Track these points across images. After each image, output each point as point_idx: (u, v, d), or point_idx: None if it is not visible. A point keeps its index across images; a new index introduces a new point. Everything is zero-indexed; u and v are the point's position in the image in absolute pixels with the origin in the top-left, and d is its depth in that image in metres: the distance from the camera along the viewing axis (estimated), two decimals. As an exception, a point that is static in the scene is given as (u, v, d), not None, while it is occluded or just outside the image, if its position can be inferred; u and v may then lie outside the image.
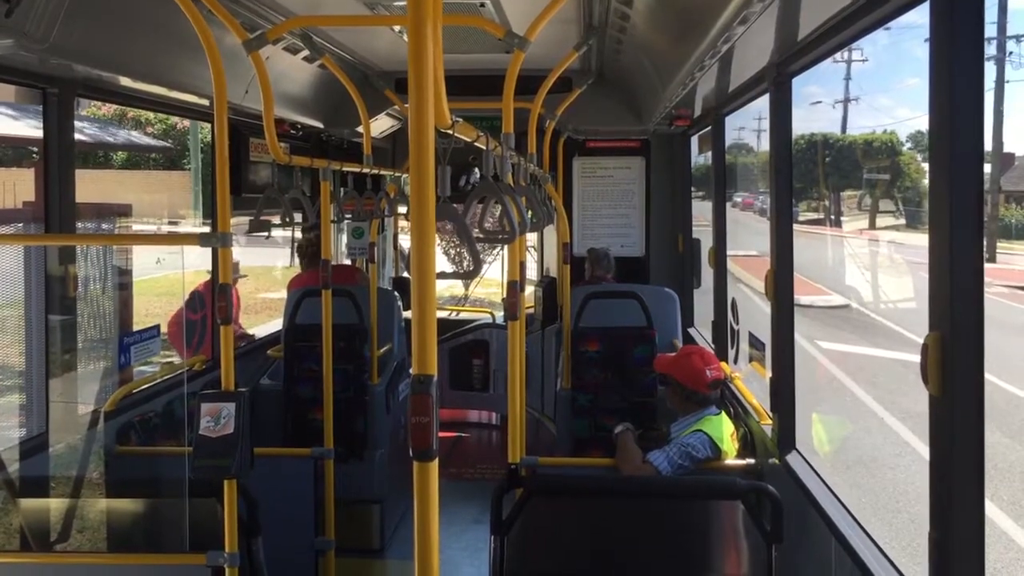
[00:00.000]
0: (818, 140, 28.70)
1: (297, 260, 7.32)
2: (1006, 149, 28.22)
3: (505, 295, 3.62)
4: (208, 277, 6.59)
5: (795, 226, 4.13)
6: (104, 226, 5.23)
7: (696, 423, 4.21)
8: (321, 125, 6.68)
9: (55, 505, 3.81)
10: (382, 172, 6.00)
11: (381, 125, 7.41)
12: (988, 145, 24.99)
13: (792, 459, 3.79)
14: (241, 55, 3.59)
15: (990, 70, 25.97)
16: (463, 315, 10.55)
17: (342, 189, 5.39)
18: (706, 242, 6.55)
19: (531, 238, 9.29)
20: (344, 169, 5.23)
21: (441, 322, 8.83)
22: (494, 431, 8.71)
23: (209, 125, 5.66)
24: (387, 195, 6.04)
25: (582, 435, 5.54)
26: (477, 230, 3.15)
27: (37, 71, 3.86)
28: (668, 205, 7.80)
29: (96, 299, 4.59)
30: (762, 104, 4.22)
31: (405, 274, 9.32)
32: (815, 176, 27.59)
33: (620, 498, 3.52)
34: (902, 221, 27.03)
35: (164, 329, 5.97)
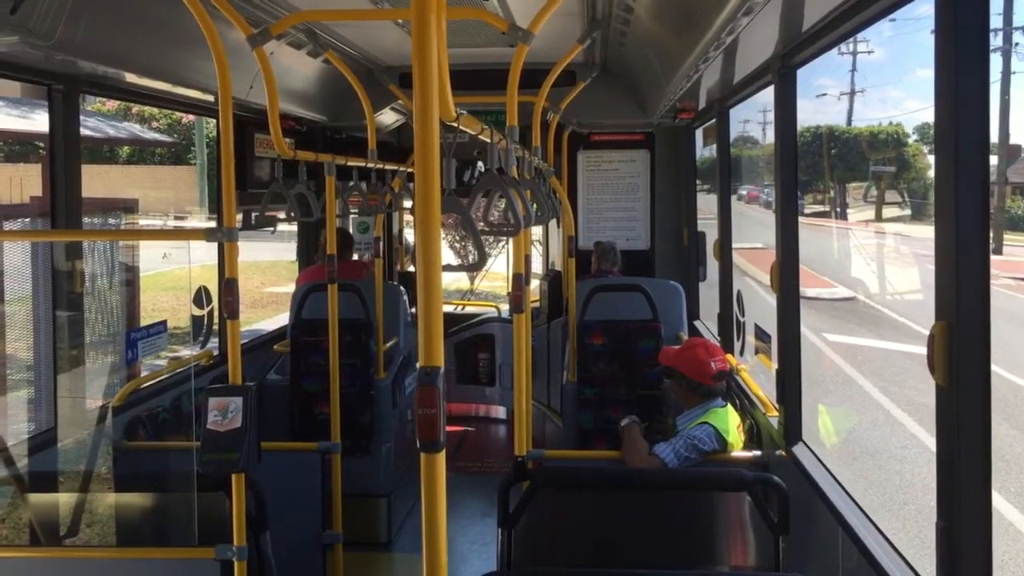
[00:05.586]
0: (824, 132, 28.63)
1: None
2: (1012, 140, 28.08)
3: (510, 289, 3.63)
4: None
5: (801, 218, 4.13)
6: (111, 221, 5.24)
7: (702, 416, 4.21)
8: (326, 120, 6.69)
9: (64, 500, 3.83)
10: (387, 167, 6.01)
11: (386, 120, 7.42)
12: (995, 136, 24.91)
13: (799, 451, 3.79)
14: (245, 50, 3.60)
15: (996, 61, 25.84)
16: (468, 309, 10.55)
17: (347, 183, 5.40)
18: (711, 235, 6.54)
19: (536, 232, 9.29)
20: (349, 164, 5.24)
21: (447, 316, 8.83)
22: (500, 425, 8.72)
23: (214, 120, 5.66)
24: (392, 189, 6.04)
25: (588, 428, 5.54)
26: (482, 223, 3.15)
27: (42, 67, 3.87)
28: (673, 198, 7.79)
29: (103, 294, 4.61)
30: (767, 96, 4.21)
31: (411, 268, 9.33)
32: (821, 168, 27.54)
33: (627, 490, 3.53)
34: (908, 213, 26.97)
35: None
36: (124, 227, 5.61)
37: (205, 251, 4.39)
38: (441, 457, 1.64)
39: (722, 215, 5.97)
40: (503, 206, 3.14)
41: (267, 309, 16.57)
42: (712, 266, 6.49)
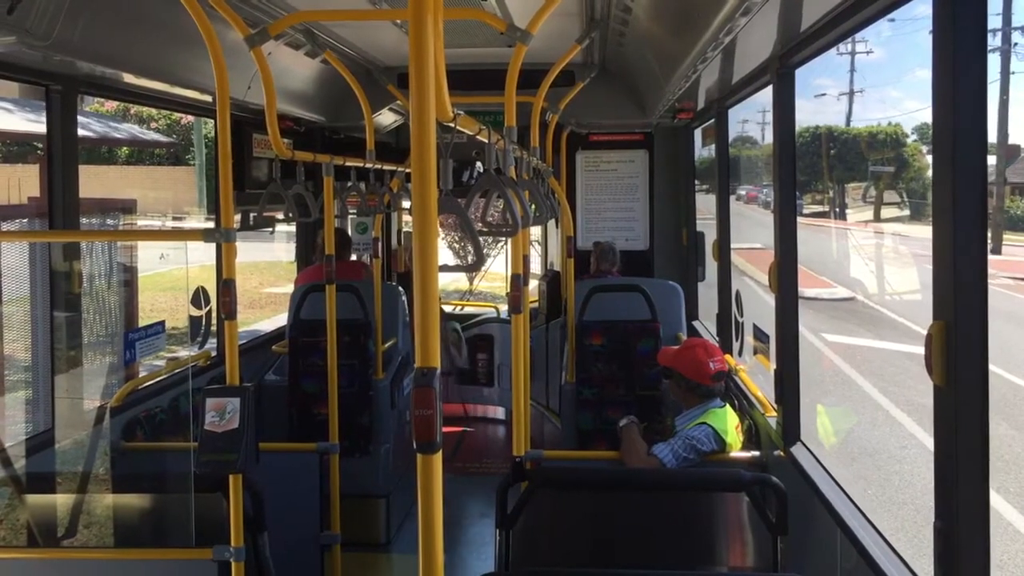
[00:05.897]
0: (823, 132, 28.63)
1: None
2: (1011, 141, 28.07)
3: (509, 289, 3.63)
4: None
5: (799, 219, 4.12)
6: (108, 222, 5.24)
7: (701, 416, 4.21)
8: (324, 120, 6.69)
9: (62, 501, 3.82)
10: (385, 167, 6.01)
11: (384, 120, 7.42)
12: (993, 137, 24.90)
13: (797, 451, 3.79)
14: (243, 50, 3.60)
15: (995, 61, 25.84)
16: (467, 309, 10.54)
17: (345, 184, 5.40)
18: (710, 235, 6.54)
19: (535, 232, 9.29)
20: (347, 164, 5.23)
21: (446, 317, 8.85)
22: (499, 425, 8.72)
23: (212, 121, 5.66)
24: (390, 190, 6.04)
25: (587, 428, 5.54)
26: (480, 224, 3.15)
27: (40, 68, 3.87)
28: (672, 198, 7.79)
29: (101, 295, 4.61)
30: (766, 96, 4.21)
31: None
32: (819, 168, 27.55)
33: (625, 491, 3.53)
34: (907, 213, 26.96)
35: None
36: (122, 228, 5.60)
37: (203, 252, 4.39)
38: (438, 458, 1.64)
39: (721, 215, 5.97)
40: (501, 206, 3.14)
41: (265, 310, 16.57)
42: (711, 266, 6.49)
